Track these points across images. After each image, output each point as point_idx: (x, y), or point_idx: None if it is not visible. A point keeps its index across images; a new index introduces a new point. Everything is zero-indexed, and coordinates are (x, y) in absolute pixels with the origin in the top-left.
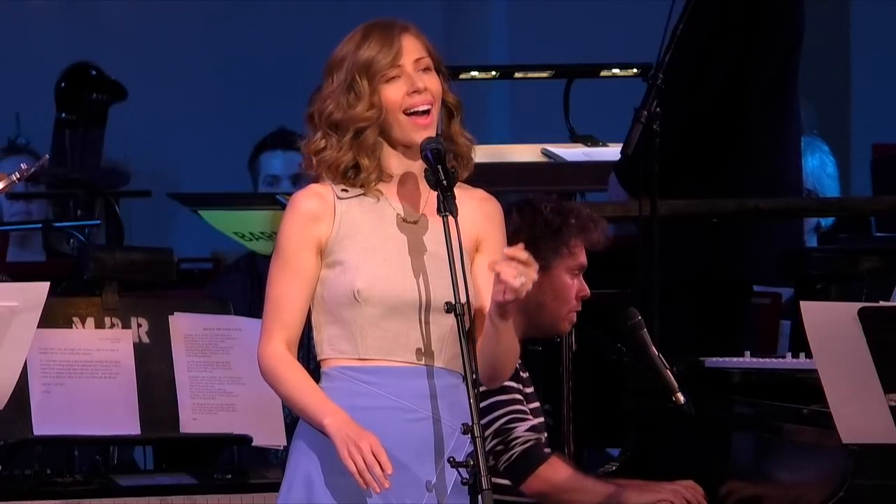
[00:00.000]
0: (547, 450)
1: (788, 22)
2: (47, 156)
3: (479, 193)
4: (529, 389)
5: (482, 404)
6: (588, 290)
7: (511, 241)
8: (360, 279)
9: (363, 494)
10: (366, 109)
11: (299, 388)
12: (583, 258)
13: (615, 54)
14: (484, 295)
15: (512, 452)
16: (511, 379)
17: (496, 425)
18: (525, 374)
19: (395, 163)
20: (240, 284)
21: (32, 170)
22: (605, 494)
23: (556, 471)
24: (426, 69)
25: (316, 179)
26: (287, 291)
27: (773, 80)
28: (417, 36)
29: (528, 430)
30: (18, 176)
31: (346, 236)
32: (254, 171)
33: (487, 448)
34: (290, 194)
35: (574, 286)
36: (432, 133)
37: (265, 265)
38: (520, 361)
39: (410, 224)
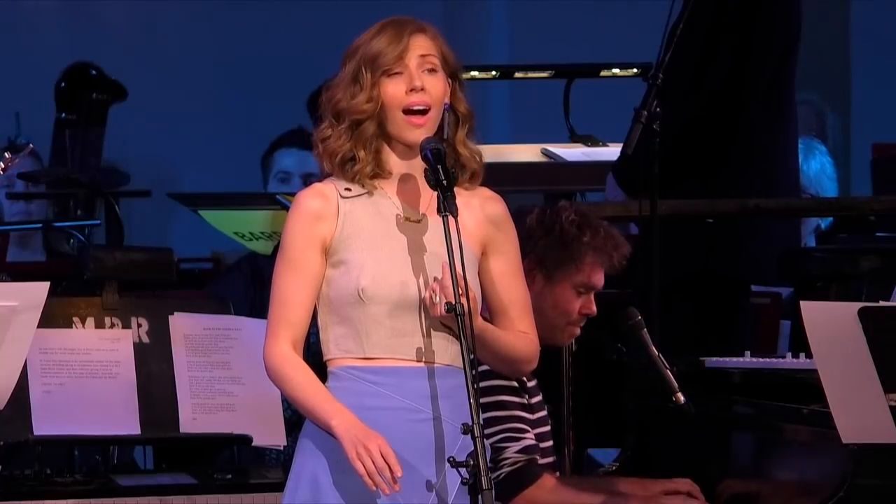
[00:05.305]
0: (545, 462)
1: (786, 21)
2: (31, 145)
3: (484, 192)
4: (536, 399)
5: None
6: (594, 310)
7: (524, 243)
8: (364, 277)
9: (371, 495)
10: (364, 101)
11: (306, 388)
12: (594, 278)
13: (615, 54)
14: (489, 297)
15: (499, 472)
16: (513, 392)
17: (488, 442)
18: (532, 384)
19: (395, 161)
20: (241, 285)
21: (17, 158)
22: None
23: (543, 491)
24: (431, 70)
25: (321, 178)
26: (292, 290)
27: (771, 81)
28: (433, 38)
29: (519, 450)
30: (3, 166)
31: (350, 235)
32: (266, 168)
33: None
34: (291, 195)
35: (577, 302)
36: (427, 134)
37: (267, 265)
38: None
39: (412, 223)
